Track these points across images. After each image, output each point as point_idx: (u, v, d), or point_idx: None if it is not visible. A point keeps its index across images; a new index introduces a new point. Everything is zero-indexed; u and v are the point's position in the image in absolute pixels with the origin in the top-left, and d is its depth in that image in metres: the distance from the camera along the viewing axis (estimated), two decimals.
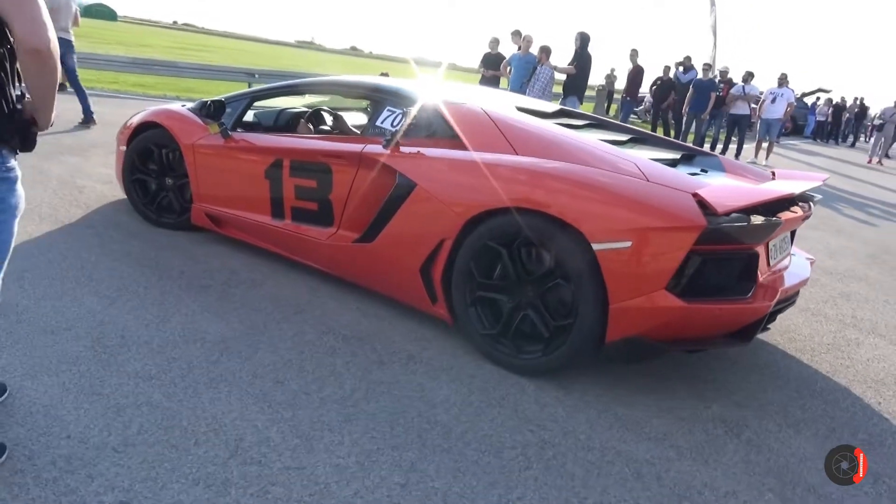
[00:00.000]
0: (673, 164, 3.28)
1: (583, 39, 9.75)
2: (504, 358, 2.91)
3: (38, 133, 1.83)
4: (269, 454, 2.12)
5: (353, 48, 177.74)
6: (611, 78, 21.41)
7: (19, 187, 1.83)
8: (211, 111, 3.99)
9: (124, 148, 4.42)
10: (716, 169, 3.58)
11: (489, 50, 11.24)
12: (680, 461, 2.37)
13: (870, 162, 17.47)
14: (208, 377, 2.55)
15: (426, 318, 3.28)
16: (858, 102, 25.42)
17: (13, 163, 1.77)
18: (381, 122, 3.53)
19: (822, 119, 24.08)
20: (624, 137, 3.75)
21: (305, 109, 4.75)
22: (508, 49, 10.92)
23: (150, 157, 4.35)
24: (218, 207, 4.06)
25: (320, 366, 2.75)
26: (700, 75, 12.78)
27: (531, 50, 10.09)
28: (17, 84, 1.75)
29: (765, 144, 13.21)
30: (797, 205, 3.09)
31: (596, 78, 23.75)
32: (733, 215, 2.57)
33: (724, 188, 3.00)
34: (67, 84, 7.79)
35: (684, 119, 12.85)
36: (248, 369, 2.64)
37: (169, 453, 2.06)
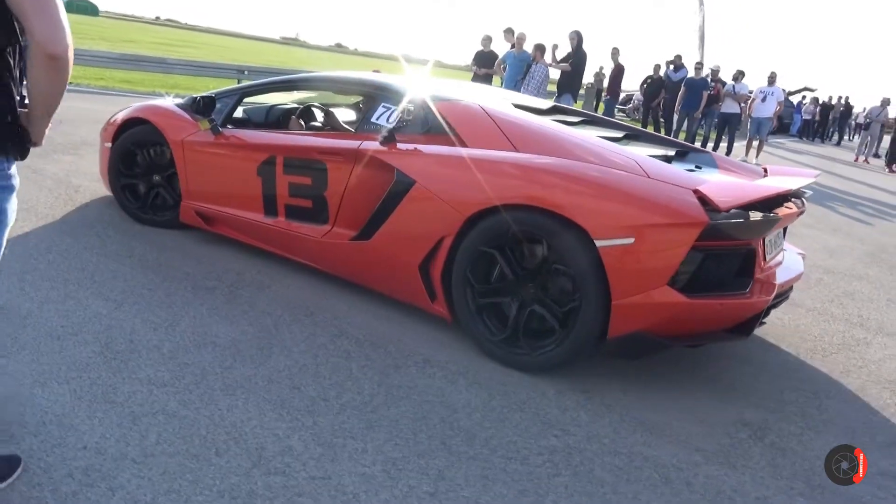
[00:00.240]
0: (667, 160, 3.29)
1: (579, 38, 9.73)
2: (520, 359, 2.87)
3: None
4: (292, 464, 2.06)
5: (338, 45, 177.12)
6: (599, 76, 21.41)
7: (15, 197, 1.71)
8: (200, 107, 3.90)
9: (109, 145, 4.31)
10: (709, 165, 3.60)
11: (482, 48, 11.18)
12: (707, 465, 2.34)
13: (856, 160, 17.65)
14: (223, 383, 2.48)
15: (438, 320, 3.23)
16: (843, 101, 25.66)
17: (14, 170, 1.66)
18: (377, 119, 3.48)
19: (809, 118, 24.30)
20: (618, 134, 3.75)
21: (296, 106, 4.67)
22: (501, 47, 10.90)
23: (135, 161, 4.24)
24: (208, 205, 3.97)
25: (336, 370, 2.69)
26: (692, 74, 12.82)
27: (525, 48, 10.07)
28: (21, 87, 1.63)
29: (755, 143, 13.27)
30: (791, 201, 3.12)
31: (586, 76, 23.79)
32: (733, 211, 2.60)
33: (724, 184, 3.04)
34: None
35: (676, 117, 12.86)
36: (262, 375, 2.58)
37: (190, 464, 2.00)
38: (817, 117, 24.34)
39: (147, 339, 2.74)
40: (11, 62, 1.57)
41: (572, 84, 9.89)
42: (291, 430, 2.24)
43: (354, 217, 3.36)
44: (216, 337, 2.84)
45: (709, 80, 12.72)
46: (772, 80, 13.20)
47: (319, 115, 4.58)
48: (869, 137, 17.89)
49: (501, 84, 10.56)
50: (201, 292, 3.30)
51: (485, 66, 10.93)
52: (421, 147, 3.20)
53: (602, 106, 19.90)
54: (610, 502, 2.08)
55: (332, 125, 4.41)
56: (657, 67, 14.45)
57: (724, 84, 13.29)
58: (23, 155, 1.66)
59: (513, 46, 10.40)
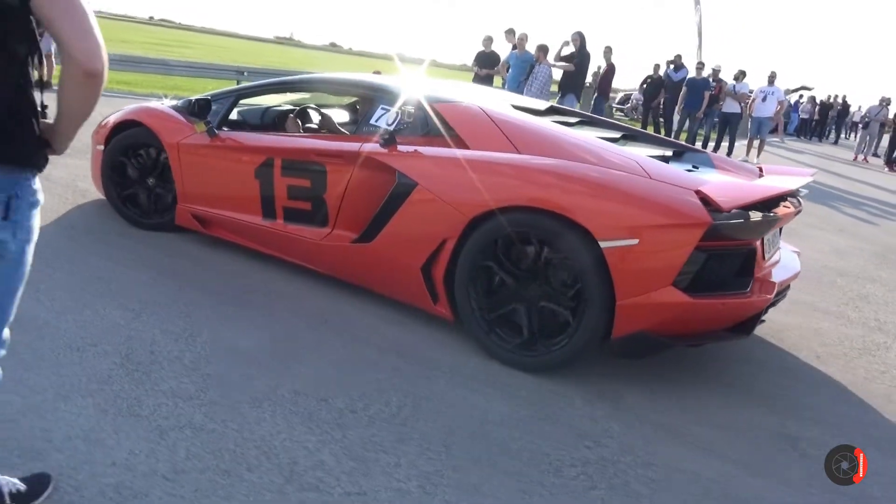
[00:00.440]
0: (665, 161, 3.29)
1: (582, 38, 9.69)
2: (538, 360, 2.85)
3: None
4: (325, 479, 2.02)
5: (333, 44, 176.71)
6: (597, 76, 21.40)
7: (39, 212, 1.62)
8: (196, 109, 3.86)
9: (101, 147, 4.25)
10: (706, 165, 3.61)
11: (483, 48, 11.13)
12: (745, 477, 2.30)
13: (855, 159, 17.67)
14: (249, 395, 2.43)
15: (455, 326, 3.17)
16: (841, 100, 25.73)
17: (38, 185, 1.58)
18: (376, 121, 3.46)
19: (806, 117, 24.34)
20: (615, 135, 3.76)
21: (291, 107, 4.64)
22: (501, 47, 10.85)
23: (125, 172, 4.19)
24: (205, 208, 3.93)
25: (361, 381, 2.64)
26: (693, 74, 12.80)
27: (527, 48, 10.02)
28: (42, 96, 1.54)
29: (756, 143, 13.26)
30: (788, 200, 3.12)
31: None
32: (734, 212, 2.62)
33: (725, 185, 3.06)
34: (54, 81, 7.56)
35: (677, 118, 12.84)
36: (287, 386, 2.53)
37: (222, 480, 1.95)
38: (815, 116, 24.38)
39: (168, 350, 2.68)
40: (34, 73, 1.49)
41: (575, 84, 9.85)
42: (322, 443, 2.19)
43: (355, 219, 3.34)
44: (236, 347, 2.79)
45: (710, 80, 12.68)
46: (772, 79, 13.19)
47: (316, 117, 4.56)
48: (868, 136, 17.91)
49: (503, 85, 10.52)
50: (217, 300, 3.25)
51: (486, 66, 10.88)
52: (422, 149, 3.19)
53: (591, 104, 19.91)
54: None
55: (329, 127, 4.39)
56: (657, 67, 14.42)
57: (724, 84, 13.26)
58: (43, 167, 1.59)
59: (514, 47, 10.35)
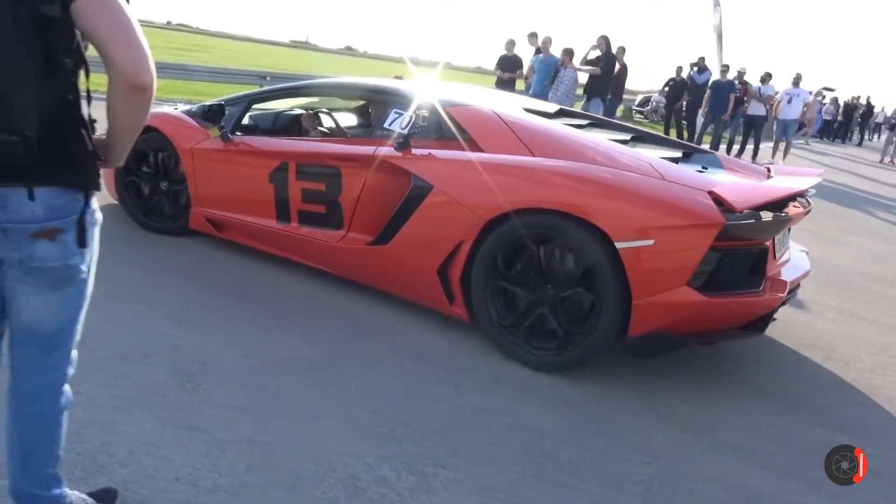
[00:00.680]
0: (675, 162, 3.31)
1: (607, 42, 9.64)
2: (545, 359, 2.89)
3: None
4: (388, 494, 2.01)
5: (349, 48, 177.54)
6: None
7: None
8: (210, 114, 3.90)
9: None
10: (714, 166, 3.64)
11: (505, 52, 11.10)
12: (808, 494, 2.27)
13: (881, 161, 17.43)
14: (301, 407, 2.43)
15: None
16: (865, 101, 25.40)
17: (96, 203, 1.55)
18: (389, 125, 3.50)
19: (829, 118, 24.04)
20: (625, 136, 3.80)
21: (302, 112, 4.68)
22: (524, 51, 10.81)
23: (139, 177, 4.23)
24: (219, 212, 3.97)
25: (409, 392, 2.64)
26: (717, 76, 12.69)
27: (551, 51, 9.99)
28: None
29: (782, 145, 13.12)
30: (797, 200, 3.15)
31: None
32: (746, 212, 2.66)
33: (737, 186, 3.07)
34: None
35: (702, 120, 12.72)
36: (337, 397, 2.53)
37: (287, 496, 1.95)
38: (839, 118, 24.08)
39: (218, 361, 2.69)
40: (82, 88, 1.43)
41: (601, 89, 9.79)
42: (380, 457, 2.18)
43: (370, 222, 3.38)
44: (282, 357, 2.79)
45: (736, 82, 12.56)
46: (797, 81, 13.05)
47: (328, 121, 4.61)
48: (895, 138, 17.66)
49: (527, 89, 10.48)
50: (254, 308, 3.27)
51: (508, 70, 10.86)
52: (436, 152, 3.23)
53: (621, 108, 19.74)
54: None
55: (342, 131, 4.45)
56: (679, 69, 14.32)
57: (750, 86, 13.12)
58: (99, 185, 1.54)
59: (538, 51, 10.32)
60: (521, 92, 10.44)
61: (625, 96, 20.58)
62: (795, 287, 3.27)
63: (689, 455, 2.41)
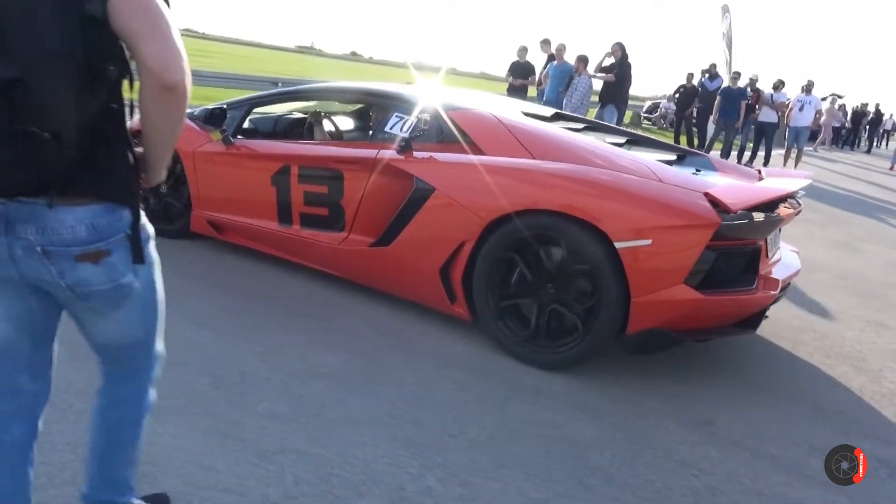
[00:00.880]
0: (669, 164, 3.35)
1: (622, 49, 9.63)
2: (543, 357, 2.96)
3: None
4: None
5: (354, 53, 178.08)
6: None
7: None
8: (211, 118, 3.91)
9: None
10: (707, 168, 3.71)
11: (517, 58, 11.11)
12: None
13: (892, 168, 17.38)
14: (345, 417, 2.41)
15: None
16: (874, 108, 25.36)
17: (144, 217, 1.47)
18: (391, 128, 3.53)
19: (838, 125, 24.00)
20: (620, 140, 3.86)
21: (303, 115, 4.69)
22: (536, 57, 10.81)
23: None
24: (221, 214, 4.00)
25: (452, 403, 2.62)
26: (727, 83, 12.67)
27: (565, 58, 9.99)
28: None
29: (794, 152, 13.08)
30: (788, 202, 3.22)
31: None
32: (741, 213, 2.73)
33: (732, 187, 3.15)
34: None
35: (713, 127, 12.68)
36: (381, 408, 2.51)
37: None
38: (847, 124, 24.04)
39: (256, 370, 2.68)
40: (123, 97, 1.34)
41: (616, 96, 9.78)
42: (425, 468, 2.17)
43: (372, 224, 3.41)
44: (322, 367, 2.78)
45: (748, 89, 12.53)
46: (809, 88, 13.04)
47: (329, 125, 4.63)
48: None
49: (540, 95, 10.48)
50: (291, 317, 3.25)
51: (520, 76, 10.85)
52: (438, 155, 3.27)
53: (629, 115, 19.76)
54: None
55: (344, 135, 4.48)
56: (690, 76, 14.33)
57: (762, 93, 13.09)
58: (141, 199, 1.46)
59: (551, 58, 10.32)
60: (532, 99, 10.44)
61: (632, 102, 20.62)
62: (786, 285, 3.34)
63: (741, 469, 2.38)
